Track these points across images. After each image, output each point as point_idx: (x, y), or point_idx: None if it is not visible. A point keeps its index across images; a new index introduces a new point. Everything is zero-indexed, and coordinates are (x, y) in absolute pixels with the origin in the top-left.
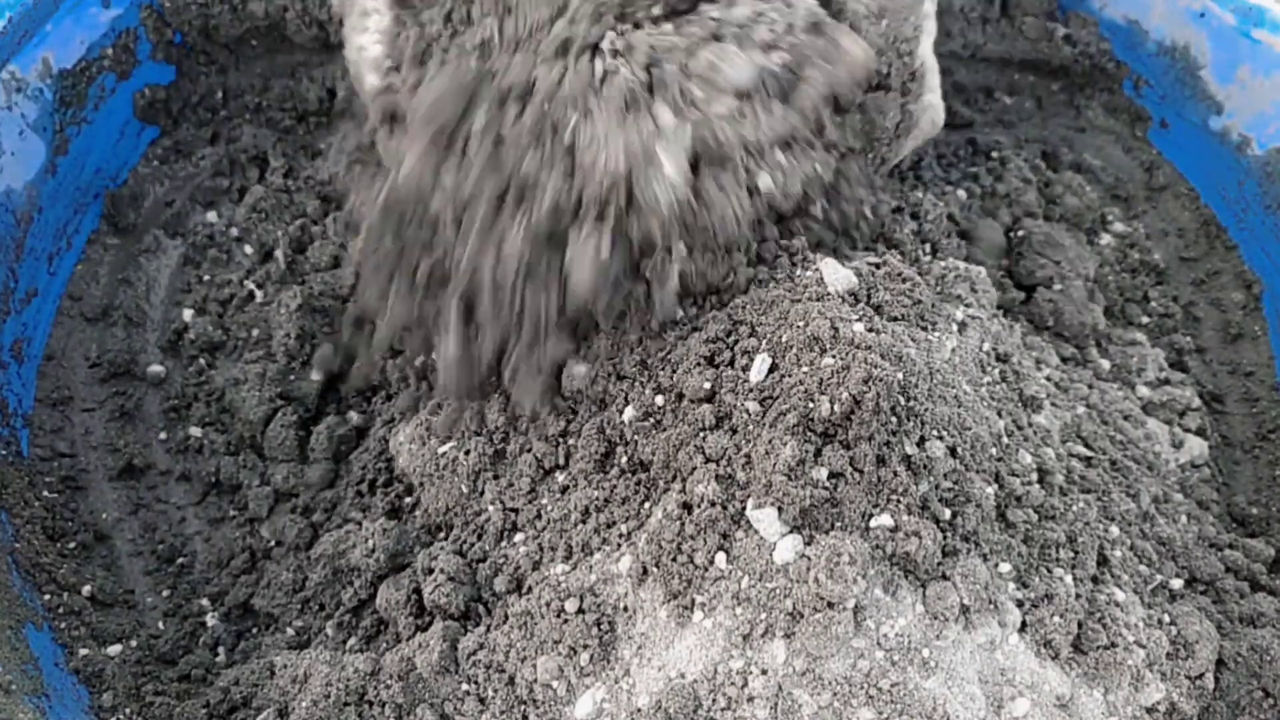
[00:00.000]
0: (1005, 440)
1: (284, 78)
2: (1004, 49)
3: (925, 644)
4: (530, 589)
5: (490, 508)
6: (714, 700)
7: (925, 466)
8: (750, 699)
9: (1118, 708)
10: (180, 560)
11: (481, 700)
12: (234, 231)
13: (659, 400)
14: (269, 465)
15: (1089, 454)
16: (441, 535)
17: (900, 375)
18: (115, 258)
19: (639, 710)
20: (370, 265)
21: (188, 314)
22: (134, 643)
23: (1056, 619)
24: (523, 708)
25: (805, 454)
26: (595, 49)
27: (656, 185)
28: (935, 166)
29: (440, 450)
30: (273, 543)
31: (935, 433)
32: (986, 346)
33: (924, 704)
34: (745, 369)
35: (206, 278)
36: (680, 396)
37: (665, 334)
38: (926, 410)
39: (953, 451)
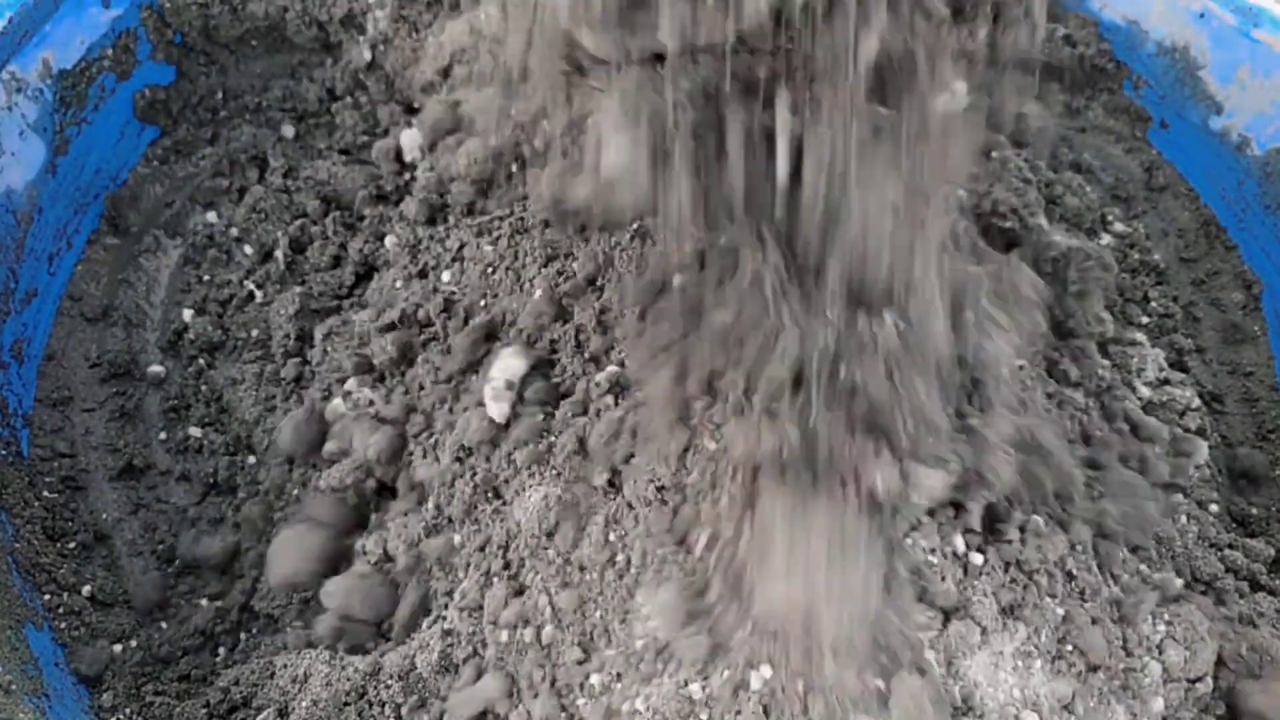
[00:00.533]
0: None
1: (284, 78)
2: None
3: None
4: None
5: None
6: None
7: None
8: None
9: (1118, 709)
10: (180, 560)
11: None
12: (234, 232)
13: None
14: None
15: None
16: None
17: None
18: (115, 258)
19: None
20: None
21: (188, 314)
22: (134, 643)
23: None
24: None
25: None
26: None
27: None
28: None
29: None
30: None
31: None
32: None
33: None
34: None
35: (206, 278)
36: None
37: None
38: None
39: None
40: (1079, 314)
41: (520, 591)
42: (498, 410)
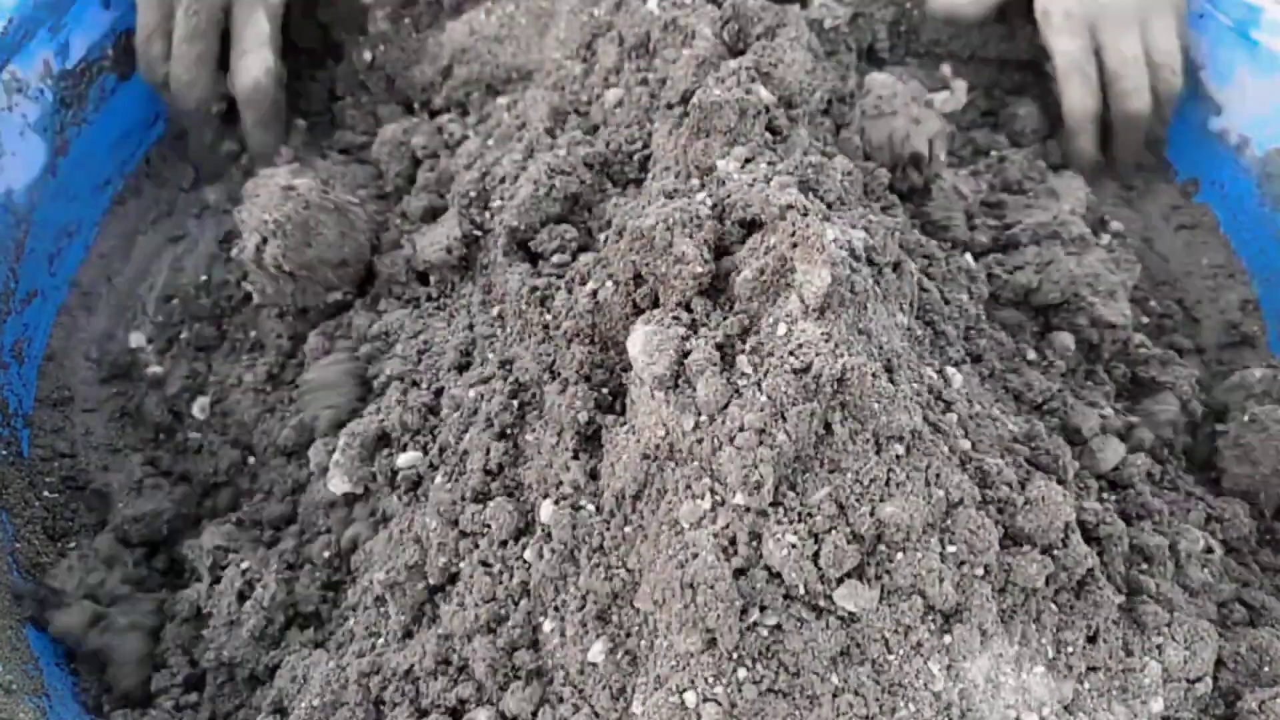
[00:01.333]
0: None
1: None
2: (1004, 49)
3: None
4: None
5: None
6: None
7: None
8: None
9: (1118, 710)
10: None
11: None
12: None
13: None
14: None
15: None
16: None
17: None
18: (115, 258)
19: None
20: None
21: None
22: None
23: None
24: None
25: None
26: None
27: None
28: None
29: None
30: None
31: None
32: None
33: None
34: None
35: (205, 278)
36: None
37: None
38: None
39: None
40: None
41: None
42: None
